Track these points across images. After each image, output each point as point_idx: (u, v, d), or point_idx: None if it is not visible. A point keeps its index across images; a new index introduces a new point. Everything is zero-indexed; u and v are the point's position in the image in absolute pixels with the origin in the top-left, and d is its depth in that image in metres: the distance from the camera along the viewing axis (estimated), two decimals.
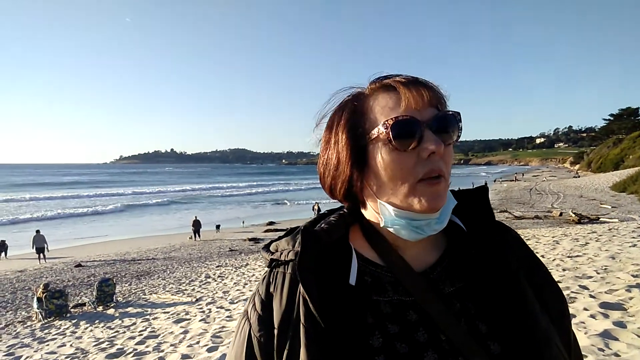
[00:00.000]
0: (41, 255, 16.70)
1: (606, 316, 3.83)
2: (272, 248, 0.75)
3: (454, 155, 0.68)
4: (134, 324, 7.48)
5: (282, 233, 0.78)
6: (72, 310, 9.45)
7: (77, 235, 23.12)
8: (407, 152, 0.63)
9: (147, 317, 7.85)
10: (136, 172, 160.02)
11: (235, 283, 10.04)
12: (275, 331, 0.66)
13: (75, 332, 7.57)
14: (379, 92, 0.68)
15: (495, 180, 59.00)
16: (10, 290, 11.86)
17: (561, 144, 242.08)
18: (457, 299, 0.67)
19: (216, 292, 9.16)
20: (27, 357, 6.13)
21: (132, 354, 5.37)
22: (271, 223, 25.25)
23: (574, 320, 3.77)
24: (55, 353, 6.13)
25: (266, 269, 0.75)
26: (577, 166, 73.58)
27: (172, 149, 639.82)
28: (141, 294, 10.36)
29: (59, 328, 8.03)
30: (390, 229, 0.68)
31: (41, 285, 9.31)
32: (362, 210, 0.74)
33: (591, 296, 4.44)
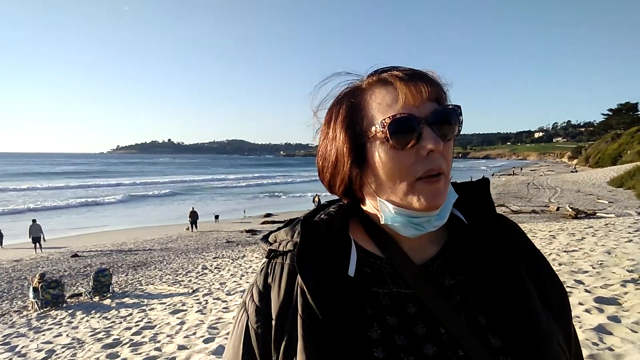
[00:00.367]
0: (37, 244, 16.69)
1: (601, 311, 3.85)
2: (270, 239, 0.74)
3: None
4: (131, 314, 7.49)
5: (279, 225, 0.77)
6: (68, 300, 9.46)
7: (73, 225, 23.10)
8: (405, 150, 0.62)
9: (144, 307, 7.86)
10: (133, 162, 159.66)
11: (232, 274, 10.06)
12: (273, 322, 0.65)
13: (72, 322, 7.57)
14: (376, 87, 0.66)
15: (493, 174, 59.11)
16: (6, 280, 11.87)
17: (559, 139, 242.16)
18: (457, 292, 0.66)
19: (213, 284, 9.18)
20: (23, 347, 6.13)
21: (128, 345, 5.38)
22: (269, 215, 25.29)
23: None
24: (51, 343, 6.14)
25: (264, 260, 0.74)
26: (575, 161, 73.85)
27: (169, 139, 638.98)
28: (138, 285, 10.38)
29: (55, 318, 8.04)
30: (390, 226, 0.67)
31: (37, 275, 9.31)
32: (362, 206, 0.73)
33: (586, 291, 4.46)
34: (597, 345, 3.17)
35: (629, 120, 69.09)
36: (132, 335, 5.89)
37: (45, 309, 8.75)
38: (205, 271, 11.18)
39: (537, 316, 0.64)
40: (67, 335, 6.51)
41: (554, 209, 18.60)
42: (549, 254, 6.78)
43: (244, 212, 26.46)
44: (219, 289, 8.48)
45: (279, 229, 0.75)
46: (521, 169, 70.12)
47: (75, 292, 10.21)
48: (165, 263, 13.20)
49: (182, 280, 10.22)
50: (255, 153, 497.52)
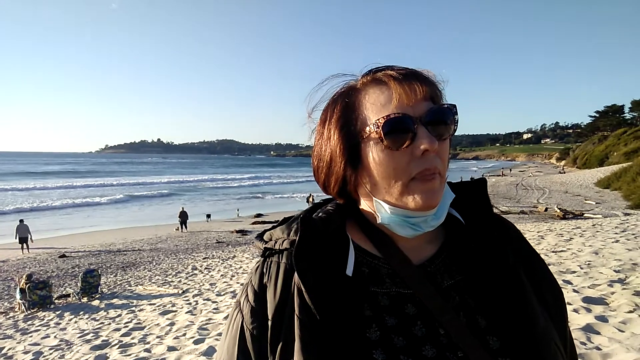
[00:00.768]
0: (24, 245, 16.41)
1: (589, 310, 3.89)
2: (266, 237, 0.73)
3: None
4: (119, 315, 7.41)
5: (270, 225, 0.76)
6: (56, 301, 9.33)
7: (61, 226, 22.74)
8: (400, 150, 0.61)
9: (133, 308, 7.79)
10: (123, 162, 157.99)
11: (222, 275, 10.01)
12: (269, 323, 0.64)
13: (60, 323, 7.48)
14: (370, 86, 0.65)
15: (482, 175, 59.46)
16: None
17: (548, 140, 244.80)
18: (456, 292, 0.66)
19: (203, 284, 9.13)
20: (9, 349, 6.04)
21: (117, 346, 5.32)
22: (259, 215, 25.20)
23: None
24: (38, 344, 6.05)
25: (259, 259, 0.72)
26: (563, 162, 74.67)
27: (159, 139, 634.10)
28: (127, 286, 10.27)
29: (43, 319, 7.93)
30: (387, 226, 0.67)
31: (24, 276, 9.18)
32: (358, 206, 0.73)
33: (574, 291, 4.51)
34: (585, 344, 3.21)
35: (615, 122, 70.01)
36: (121, 336, 5.84)
37: (32, 310, 8.62)
38: (195, 272, 11.11)
39: (535, 317, 0.64)
40: (55, 336, 6.42)
41: (543, 209, 18.79)
42: None
43: (237, 211, 26.31)
44: (209, 289, 8.42)
45: (274, 227, 0.74)
46: (510, 170, 70.72)
47: (63, 293, 10.06)
48: (154, 263, 13.08)
49: (172, 281, 10.14)
50: (246, 153, 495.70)
